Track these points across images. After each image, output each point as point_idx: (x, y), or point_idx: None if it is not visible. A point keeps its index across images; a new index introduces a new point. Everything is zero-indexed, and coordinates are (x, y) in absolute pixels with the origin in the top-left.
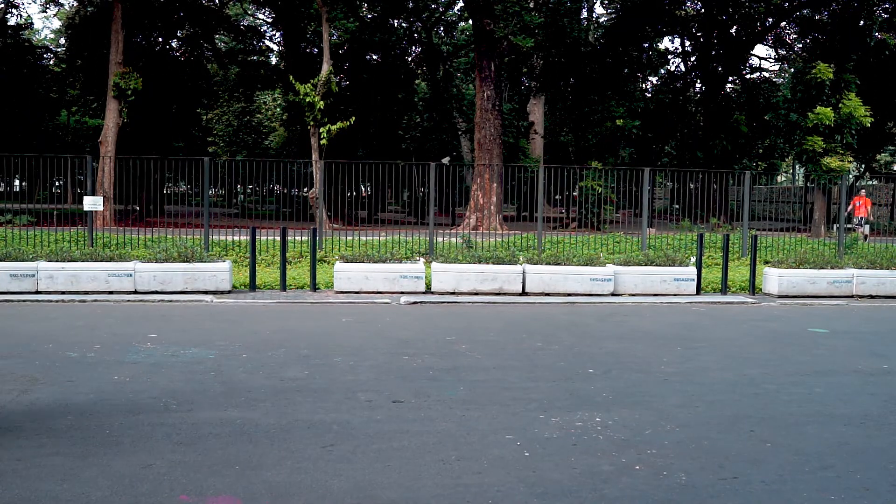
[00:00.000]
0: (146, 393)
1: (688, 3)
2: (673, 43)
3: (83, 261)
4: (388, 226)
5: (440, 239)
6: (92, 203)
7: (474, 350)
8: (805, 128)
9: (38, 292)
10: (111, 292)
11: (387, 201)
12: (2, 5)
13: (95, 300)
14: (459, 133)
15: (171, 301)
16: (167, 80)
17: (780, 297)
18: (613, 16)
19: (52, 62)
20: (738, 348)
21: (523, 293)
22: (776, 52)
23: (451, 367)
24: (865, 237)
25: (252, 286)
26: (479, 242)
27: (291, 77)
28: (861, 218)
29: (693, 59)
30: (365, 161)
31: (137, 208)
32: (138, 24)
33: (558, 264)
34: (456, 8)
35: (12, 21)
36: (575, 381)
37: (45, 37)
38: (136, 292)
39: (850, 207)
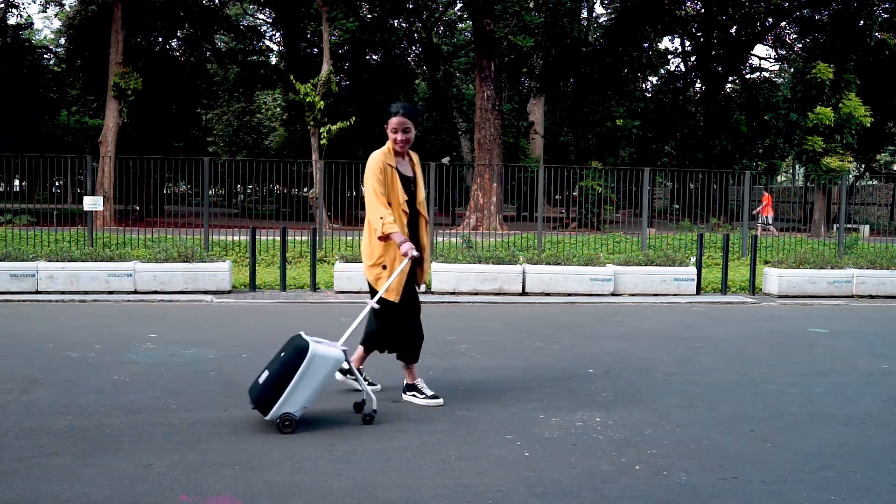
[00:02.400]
0: (146, 393)
1: (688, 3)
2: (673, 43)
3: (83, 261)
4: None
5: (440, 239)
6: (92, 203)
7: (474, 350)
8: (805, 128)
9: (38, 292)
10: (111, 292)
11: None
12: (2, 5)
13: (95, 300)
14: (459, 133)
15: (171, 301)
16: (167, 80)
17: (780, 297)
18: (613, 16)
19: (52, 62)
20: (738, 348)
21: (523, 293)
22: (776, 52)
23: (451, 367)
24: (766, 233)
25: (252, 286)
26: (479, 242)
27: (291, 77)
28: (765, 217)
29: (693, 59)
30: (365, 161)
31: (137, 208)
32: (138, 24)
33: (558, 264)
34: (456, 8)
35: (12, 21)
36: (575, 381)
37: (46, 37)
38: (136, 292)
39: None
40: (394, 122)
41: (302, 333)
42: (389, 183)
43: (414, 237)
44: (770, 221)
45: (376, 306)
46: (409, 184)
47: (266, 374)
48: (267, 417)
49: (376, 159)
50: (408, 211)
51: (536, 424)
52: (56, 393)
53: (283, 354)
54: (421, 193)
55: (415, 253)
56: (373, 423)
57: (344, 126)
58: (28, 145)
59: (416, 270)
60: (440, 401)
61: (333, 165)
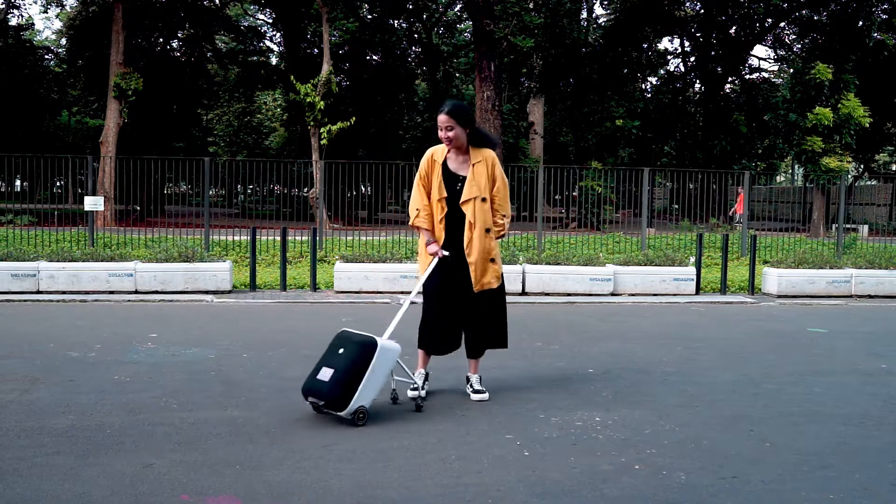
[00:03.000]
0: (147, 392)
1: (687, 4)
2: (672, 43)
3: (84, 261)
4: (388, 226)
5: None
6: (93, 203)
7: None
8: (804, 128)
9: (39, 292)
10: (112, 292)
11: (387, 201)
12: (3, 6)
13: (96, 300)
14: None
15: (171, 301)
16: (168, 81)
17: (780, 296)
18: (613, 16)
19: (53, 63)
20: (737, 348)
21: (523, 293)
22: (775, 52)
23: (451, 367)
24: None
25: (252, 286)
26: None
27: (292, 77)
28: (739, 215)
29: (692, 59)
30: (365, 161)
31: (138, 208)
32: (139, 24)
33: (558, 264)
34: (456, 8)
35: (13, 21)
36: (574, 380)
37: (47, 37)
38: (136, 292)
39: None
40: (438, 120)
41: (349, 329)
42: (430, 176)
43: (457, 237)
44: (739, 220)
45: (417, 300)
46: (455, 181)
47: (329, 371)
48: (342, 413)
49: (428, 152)
50: (446, 208)
51: (536, 424)
52: (57, 392)
53: (342, 351)
54: (469, 193)
55: (443, 253)
56: (421, 411)
57: (344, 126)
58: (29, 145)
59: (467, 272)
60: (417, 394)
61: (333, 165)
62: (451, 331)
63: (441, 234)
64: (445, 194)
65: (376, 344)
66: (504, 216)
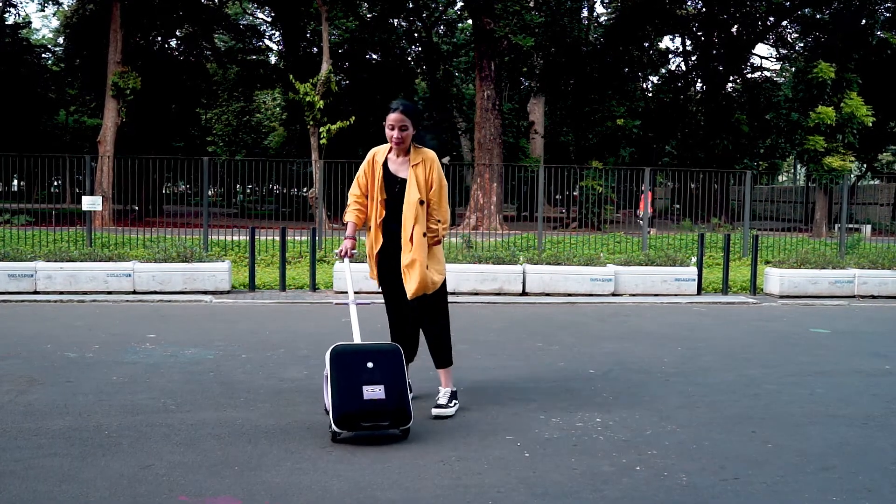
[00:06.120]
0: (145, 393)
1: (688, 3)
2: (674, 42)
3: (82, 261)
4: None
5: None
6: (90, 203)
7: (474, 350)
8: (806, 127)
9: (36, 292)
10: (110, 292)
11: None
12: (0, 4)
13: (94, 300)
14: (459, 133)
15: (170, 301)
16: (166, 80)
17: (782, 297)
18: (614, 15)
19: (50, 61)
20: (739, 348)
21: (523, 293)
22: (777, 51)
23: (451, 367)
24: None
25: (251, 286)
26: (479, 242)
27: (291, 76)
28: (640, 212)
29: (694, 58)
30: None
31: (136, 208)
32: (137, 23)
33: (558, 264)
34: (456, 7)
35: (10, 20)
36: (575, 381)
37: (44, 36)
38: (134, 292)
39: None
40: (390, 118)
41: (342, 342)
42: (370, 178)
43: (395, 241)
44: (641, 217)
45: (360, 301)
46: (394, 183)
47: (379, 387)
48: (408, 426)
49: (370, 152)
50: (384, 212)
51: (536, 425)
52: (54, 393)
53: (371, 364)
54: (407, 198)
55: (342, 253)
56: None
57: (343, 126)
58: (26, 145)
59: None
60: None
61: (333, 165)
62: (408, 334)
63: (379, 237)
64: (385, 196)
65: (399, 348)
66: (439, 220)
